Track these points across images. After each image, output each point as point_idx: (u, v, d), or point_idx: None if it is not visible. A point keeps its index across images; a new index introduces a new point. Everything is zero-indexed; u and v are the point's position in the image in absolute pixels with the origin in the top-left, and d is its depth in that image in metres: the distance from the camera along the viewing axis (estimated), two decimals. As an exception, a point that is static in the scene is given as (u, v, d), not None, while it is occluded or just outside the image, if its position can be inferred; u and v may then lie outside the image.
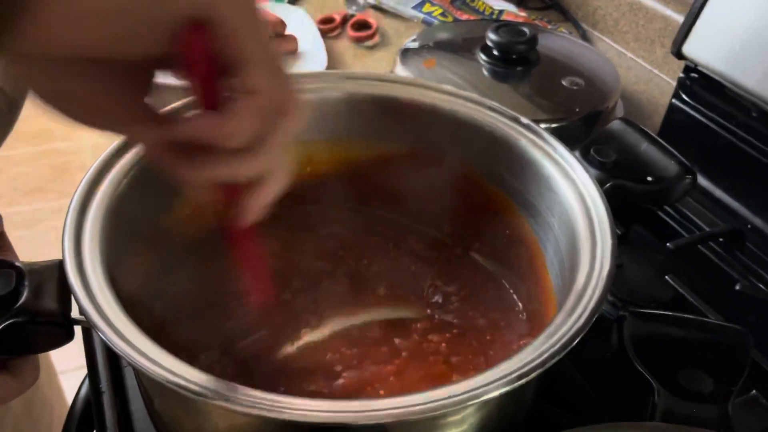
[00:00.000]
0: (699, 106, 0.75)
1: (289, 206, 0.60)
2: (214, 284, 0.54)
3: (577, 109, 0.78)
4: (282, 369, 0.50)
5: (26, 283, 0.40)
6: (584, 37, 1.06)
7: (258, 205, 0.38)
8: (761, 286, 0.64)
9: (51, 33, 0.29)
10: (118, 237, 0.45)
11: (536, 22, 1.07)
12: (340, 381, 0.49)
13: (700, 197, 0.73)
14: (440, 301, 0.56)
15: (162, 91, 0.36)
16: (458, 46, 0.88)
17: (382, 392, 0.48)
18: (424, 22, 1.05)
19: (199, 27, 0.31)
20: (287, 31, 0.97)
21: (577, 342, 0.39)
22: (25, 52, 0.30)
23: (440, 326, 0.54)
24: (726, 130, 0.72)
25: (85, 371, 0.55)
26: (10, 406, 0.67)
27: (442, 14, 1.06)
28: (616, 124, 0.65)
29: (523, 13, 1.09)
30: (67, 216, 0.43)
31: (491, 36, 0.82)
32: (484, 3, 1.10)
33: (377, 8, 1.09)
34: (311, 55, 0.96)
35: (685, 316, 0.52)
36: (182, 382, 0.34)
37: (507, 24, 0.85)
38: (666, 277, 0.61)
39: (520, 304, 0.56)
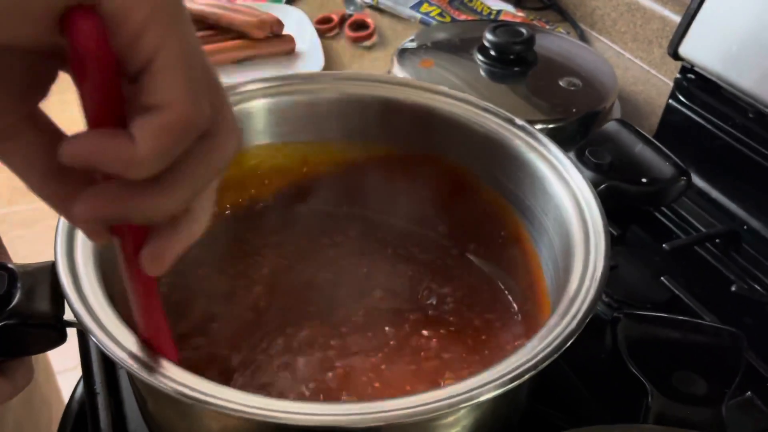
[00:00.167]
0: (696, 107, 0.75)
1: (283, 207, 0.61)
2: (205, 284, 0.55)
3: (575, 110, 0.78)
4: (276, 365, 0.50)
5: (19, 285, 0.40)
6: (582, 37, 1.06)
7: (166, 255, 0.29)
8: (757, 287, 0.63)
9: None
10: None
11: (534, 22, 1.07)
12: (333, 374, 0.49)
13: (697, 198, 0.73)
14: (434, 302, 0.56)
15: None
16: (456, 47, 0.88)
17: (377, 384, 0.48)
18: (421, 22, 1.05)
19: (88, 13, 0.24)
20: (284, 31, 0.97)
21: (571, 343, 0.39)
22: None
23: (435, 325, 0.54)
24: (723, 131, 0.72)
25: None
26: (11, 404, 0.67)
27: (440, 14, 1.06)
28: (611, 126, 0.65)
29: (520, 13, 1.09)
30: (59, 219, 0.43)
31: (488, 36, 0.82)
32: (481, 3, 1.10)
33: (375, 8, 1.09)
34: (308, 55, 0.96)
35: (679, 318, 0.52)
36: (176, 386, 0.34)
37: (504, 24, 0.85)
38: (662, 278, 0.61)
39: (515, 305, 0.56)
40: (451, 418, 0.39)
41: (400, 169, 0.59)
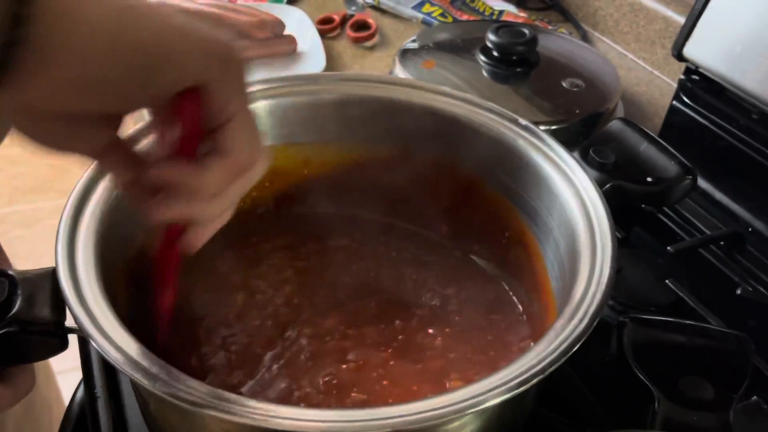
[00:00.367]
0: (700, 108, 0.75)
1: (286, 209, 0.61)
2: (207, 287, 0.55)
3: (578, 111, 0.77)
4: (280, 366, 0.50)
5: (19, 291, 0.40)
6: (584, 37, 1.05)
7: (201, 239, 0.40)
8: (762, 289, 0.63)
9: (43, 97, 0.30)
10: (111, 244, 0.45)
11: (536, 22, 1.06)
12: (341, 374, 0.49)
13: (701, 200, 0.72)
14: (439, 303, 0.56)
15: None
16: (458, 47, 0.87)
17: (385, 382, 0.49)
18: (423, 22, 1.05)
19: (193, 92, 0.34)
20: (286, 32, 0.97)
21: (577, 347, 0.38)
22: (14, 108, 0.32)
23: (440, 325, 0.54)
24: (727, 132, 0.72)
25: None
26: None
27: (442, 15, 1.06)
28: (615, 125, 0.65)
29: (523, 14, 1.08)
30: (60, 223, 0.43)
31: (491, 37, 0.82)
32: (483, 3, 1.09)
33: (376, 8, 1.08)
34: (310, 55, 0.95)
35: (686, 322, 0.52)
36: (179, 393, 0.34)
37: (507, 25, 0.85)
38: (666, 280, 0.61)
39: (520, 307, 0.56)
40: (457, 423, 0.38)
41: (402, 170, 0.59)
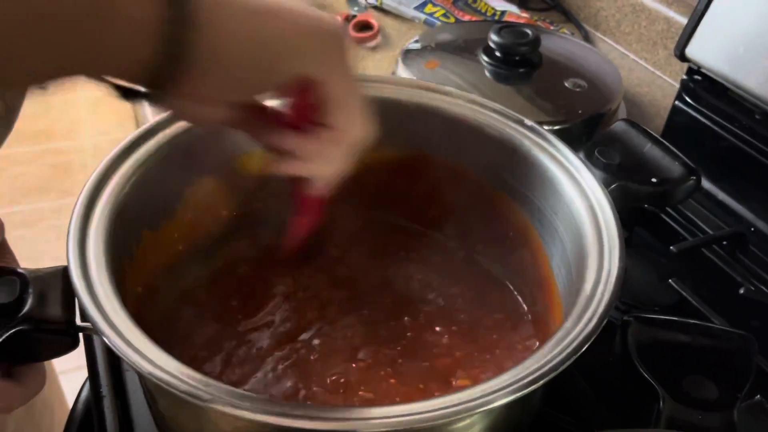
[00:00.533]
0: (702, 109, 0.75)
1: (289, 210, 0.61)
2: (219, 286, 0.55)
3: (580, 111, 0.78)
4: (286, 365, 0.50)
5: (30, 290, 0.40)
6: (586, 38, 1.06)
7: (319, 190, 0.47)
8: (764, 289, 0.63)
9: (200, 91, 0.37)
10: (121, 242, 0.45)
11: (538, 23, 1.07)
12: (349, 371, 0.49)
13: (704, 200, 0.73)
14: (444, 303, 0.56)
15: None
16: (460, 48, 0.88)
17: (392, 381, 0.49)
18: (426, 23, 1.05)
19: (307, 82, 0.40)
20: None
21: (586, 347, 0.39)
22: (173, 102, 0.38)
23: (445, 324, 0.54)
24: (729, 132, 0.72)
25: (85, 372, 0.55)
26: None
27: (444, 15, 1.06)
28: (619, 125, 0.65)
29: (525, 14, 1.09)
30: (70, 222, 0.43)
31: (494, 37, 0.82)
32: (486, 4, 1.10)
33: (379, 9, 1.08)
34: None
35: (690, 321, 0.52)
36: (194, 391, 0.34)
37: (509, 25, 0.85)
38: (669, 280, 0.61)
39: (524, 306, 0.56)
40: (465, 422, 0.38)
41: (406, 170, 0.59)
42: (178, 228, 0.53)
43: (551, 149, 0.52)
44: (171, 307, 0.53)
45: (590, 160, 0.60)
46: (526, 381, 0.36)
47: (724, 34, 0.71)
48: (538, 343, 0.52)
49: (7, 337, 0.38)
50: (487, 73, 0.82)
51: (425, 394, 0.48)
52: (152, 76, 0.35)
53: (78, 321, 0.40)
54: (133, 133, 0.50)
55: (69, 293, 0.40)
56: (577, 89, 0.81)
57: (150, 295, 0.50)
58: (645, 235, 0.68)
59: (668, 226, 0.70)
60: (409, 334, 0.53)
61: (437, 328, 0.53)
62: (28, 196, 2.22)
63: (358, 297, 0.55)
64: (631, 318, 0.50)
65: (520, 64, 0.83)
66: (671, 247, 0.64)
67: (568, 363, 0.37)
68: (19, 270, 0.41)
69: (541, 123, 0.54)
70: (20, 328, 0.39)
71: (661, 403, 0.45)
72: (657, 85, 0.96)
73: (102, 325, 0.36)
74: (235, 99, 0.39)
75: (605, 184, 0.50)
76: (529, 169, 0.53)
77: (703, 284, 0.61)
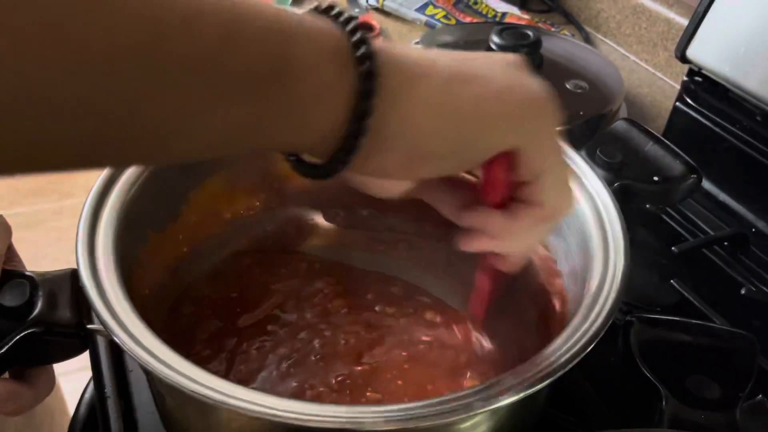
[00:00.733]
0: (703, 110, 0.75)
1: (293, 210, 0.61)
2: (222, 286, 0.55)
3: (581, 113, 0.78)
4: (290, 364, 0.50)
5: (40, 293, 0.40)
6: (587, 40, 1.06)
7: (505, 266, 0.42)
8: (766, 289, 0.64)
9: (386, 166, 0.33)
10: (128, 245, 0.45)
11: (539, 24, 1.07)
12: (359, 371, 0.50)
13: (705, 201, 0.73)
14: (445, 301, 0.56)
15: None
16: (461, 49, 0.87)
17: (399, 382, 0.49)
18: (427, 24, 1.06)
19: (505, 154, 0.35)
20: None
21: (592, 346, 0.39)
22: (353, 176, 0.36)
23: (452, 323, 0.54)
24: (730, 133, 0.72)
25: (87, 373, 0.55)
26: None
27: (445, 17, 1.06)
28: (620, 125, 0.66)
29: (525, 16, 1.09)
30: (78, 226, 0.43)
31: (495, 39, 0.82)
32: (486, 5, 1.10)
33: (380, 11, 1.09)
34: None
35: (692, 321, 0.52)
36: (208, 392, 0.34)
37: (510, 27, 0.85)
38: (671, 281, 0.61)
39: (529, 305, 0.56)
40: (472, 421, 0.39)
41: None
42: (183, 229, 0.54)
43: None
44: (176, 307, 0.53)
45: (592, 159, 0.60)
46: (533, 379, 0.36)
47: (724, 36, 0.71)
48: (549, 343, 0.52)
49: (17, 340, 0.39)
50: (488, 75, 0.82)
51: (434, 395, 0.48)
52: (332, 149, 0.32)
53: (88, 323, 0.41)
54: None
55: (78, 296, 0.40)
56: (578, 90, 0.81)
57: (156, 296, 0.50)
58: (646, 235, 0.69)
59: (669, 226, 0.70)
60: (410, 340, 0.53)
61: (443, 329, 0.53)
62: (29, 197, 2.22)
63: (363, 297, 0.56)
64: (634, 318, 0.51)
65: (521, 65, 0.83)
66: (673, 248, 0.65)
67: (575, 361, 0.37)
68: (28, 273, 0.42)
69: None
70: (31, 330, 0.39)
71: (663, 402, 0.46)
72: (658, 86, 0.96)
73: (115, 328, 0.36)
74: (425, 176, 0.36)
75: (608, 183, 0.51)
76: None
77: (704, 284, 0.62)
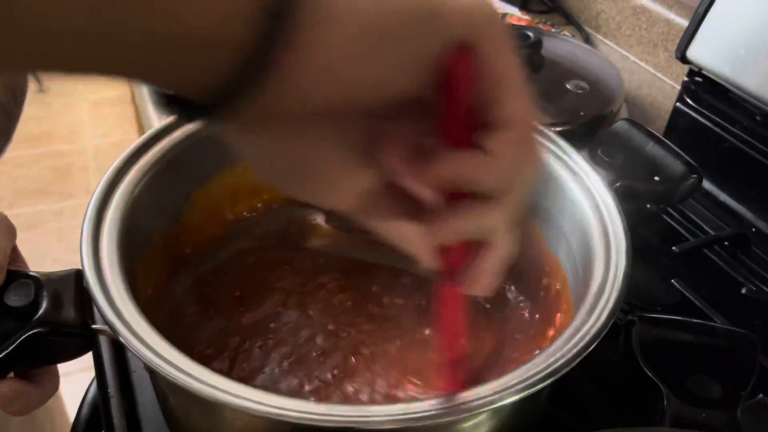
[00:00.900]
0: (703, 110, 0.75)
1: (297, 211, 0.62)
2: (224, 286, 0.56)
3: (582, 113, 0.78)
4: (291, 361, 0.51)
5: (45, 293, 0.41)
6: (587, 40, 1.06)
7: (489, 270, 0.34)
8: (766, 289, 0.64)
9: (295, 88, 0.25)
10: (132, 246, 0.45)
11: (539, 25, 1.07)
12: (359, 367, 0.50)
13: (705, 201, 0.73)
14: None
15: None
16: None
17: (403, 374, 0.49)
18: (427, 25, 1.06)
19: (464, 53, 0.28)
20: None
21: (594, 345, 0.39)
22: (256, 117, 0.26)
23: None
24: (730, 133, 0.73)
25: (87, 374, 0.56)
26: (12, 416, 0.67)
27: (446, 17, 1.06)
28: (621, 125, 0.66)
29: (526, 17, 1.09)
30: (83, 227, 0.43)
31: (496, 40, 0.82)
32: (487, 6, 1.10)
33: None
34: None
35: (693, 320, 0.53)
36: (214, 392, 0.34)
37: (511, 27, 0.85)
38: (672, 280, 0.61)
39: (530, 305, 0.56)
40: (472, 422, 0.39)
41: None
42: (186, 230, 0.54)
43: (557, 150, 0.53)
44: (178, 307, 0.53)
45: (593, 159, 0.60)
46: (535, 378, 0.36)
47: (724, 36, 0.71)
48: (545, 343, 0.52)
49: (23, 340, 0.39)
50: (489, 76, 0.82)
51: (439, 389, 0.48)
52: (238, 37, 0.24)
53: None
54: (140, 138, 0.51)
55: (82, 296, 0.40)
56: (579, 91, 0.81)
57: (159, 295, 0.51)
58: (647, 235, 0.69)
59: (670, 226, 0.71)
60: (411, 339, 0.53)
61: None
62: (29, 198, 2.22)
63: (364, 298, 0.56)
64: (635, 318, 0.51)
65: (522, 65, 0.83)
66: (673, 248, 0.65)
67: (577, 360, 0.37)
68: (33, 273, 0.42)
69: (543, 124, 0.55)
70: (36, 331, 0.39)
71: (665, 401, 0.46)
72: (658, 86, 0.96)
73: (120, 327, 0.36)
74: (361, 94, 0.27)
75: (608, 184, 0.51)
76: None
77: (705, 284, 0.62)
